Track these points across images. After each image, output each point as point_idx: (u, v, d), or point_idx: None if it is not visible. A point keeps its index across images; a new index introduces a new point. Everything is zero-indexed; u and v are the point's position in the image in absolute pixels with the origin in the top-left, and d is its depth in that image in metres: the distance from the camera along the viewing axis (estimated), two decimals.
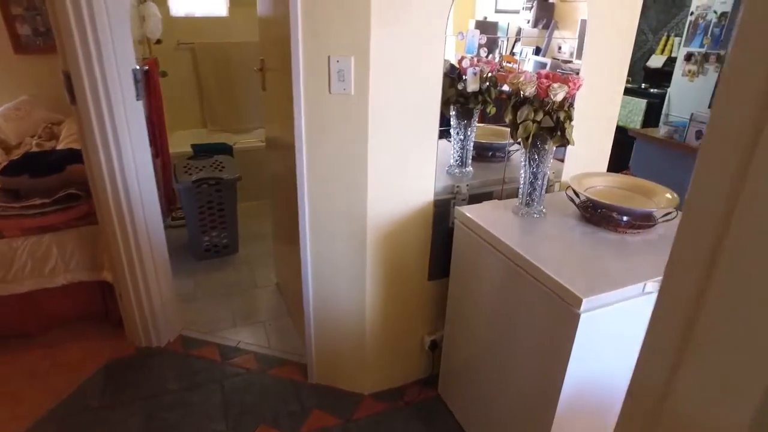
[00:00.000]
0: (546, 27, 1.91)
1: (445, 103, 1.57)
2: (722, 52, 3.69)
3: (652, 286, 1.19)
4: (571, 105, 1.40)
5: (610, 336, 1.21)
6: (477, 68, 1.52)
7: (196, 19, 3.75)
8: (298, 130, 1.46)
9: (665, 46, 4.74)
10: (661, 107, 4.33)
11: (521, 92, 1.33)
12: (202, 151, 3.07)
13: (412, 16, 1.35)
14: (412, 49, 1.39)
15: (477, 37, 1.50)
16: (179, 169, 2.61)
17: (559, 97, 1.30)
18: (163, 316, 2.04)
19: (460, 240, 1.57)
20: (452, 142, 1.79)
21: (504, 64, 1.92)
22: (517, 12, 1.87)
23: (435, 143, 1.54)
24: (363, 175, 1.49)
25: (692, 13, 3.90)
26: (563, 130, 1.37)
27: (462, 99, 1.65)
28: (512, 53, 1.95)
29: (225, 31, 3.83)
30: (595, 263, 1.25)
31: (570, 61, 1.84)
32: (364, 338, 1.75)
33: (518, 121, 1.34)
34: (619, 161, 3.74)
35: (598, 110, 1.77)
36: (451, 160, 1.81)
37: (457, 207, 1.57)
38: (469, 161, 1.80)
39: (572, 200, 1.54)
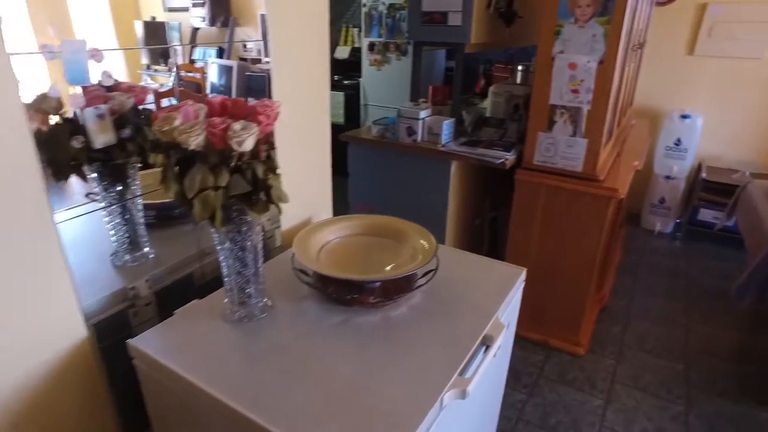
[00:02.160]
0: (225, 24, 1.38)
1: (72, 167, 0.89)
2: (399, 41, 3.84)
3: (450, 397, 0.82)
4: (272, 145, 0.91)
5: None
6: (103, 108, 0.88)
7: None
8: None
9: (347, 37, 4.81)
10: (359, 98, 4.36)
11: (184, 146, 0.76)
12: None
13: None
14: None
15: (84, 52, 0.85)
16: None
17: (248, 145, 0.79)
18: None
19: (153, 395, 0.94)
20: (107, 221, 1.09)
21: (184, 74, 1.32)
22: (186, 9, 1.29)
23: (53, 234, 0.84)
24: None
25: (365, 5, 3.94)
26: (267, 190, 0.87)
27: (102, 155, 0.98)
28: (192, 61, 1.36)
29: None
30: (364, 391, 0.81)
31: (259, 60, 1.37)
32: None
33: (189, 195, 0.78)
34: (336, 167, 3.54)
35: (308, 120, 1.34)
36: (115, 245, 1.12)
37: (129, 341, 0.92)
38: (145, 239, 1.15)
39: (301, 279, 1.07)
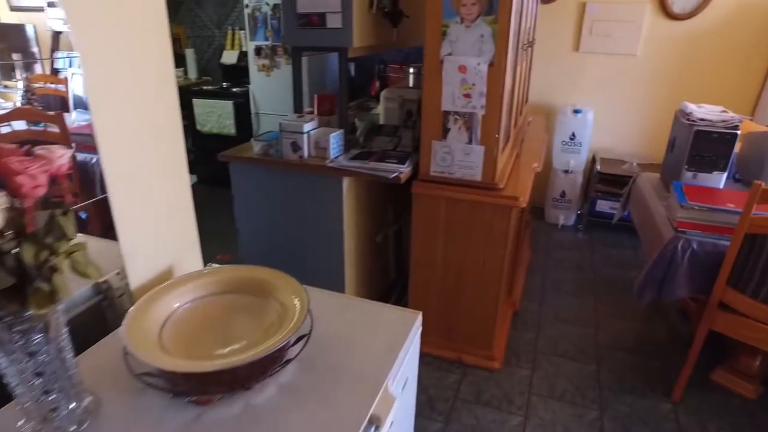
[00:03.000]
0: None
1: None
2: (287, 45, 3.58)
3: None
4: (64, 208, 0.65)
5: None
6: None
7: None
8: None
9: (233, 40, 4.45)
10: (249, 106, 4.04)
11: None
12: None
13: None
14: None
15: None
16: None
17: None
18: None
19: None
20: None
21: (42, 86, 1.02)
22: (41, 9, 0.98)
23: None
24: None
25: (248, 6, 3.63)
26: (50, 275, 0.61)
27: None
28: (55, 71, 1.06)
29: None
30: None
31: None
32: None
33: None
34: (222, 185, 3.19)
35: (154, 150, 1.06)
36: None
37: None
38: None
39: (132, 372, 0.81)
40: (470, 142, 1.81)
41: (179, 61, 4.74)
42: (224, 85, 4.33)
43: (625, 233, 3.42)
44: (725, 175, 2.02)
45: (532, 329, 2.45)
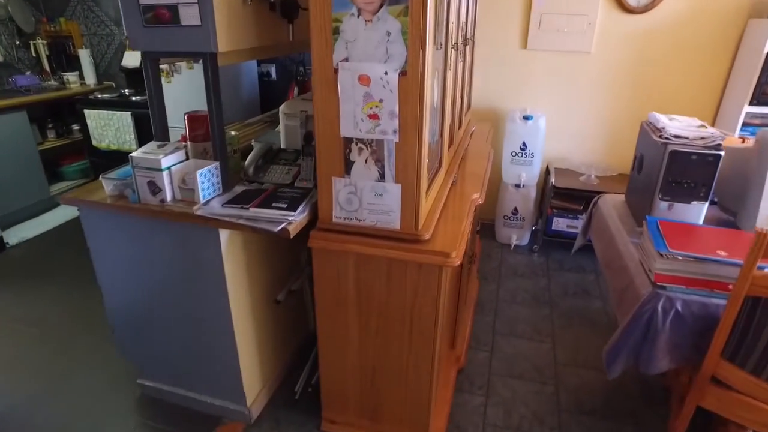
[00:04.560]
0: None
1: None
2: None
3: None
4: None
5: None
6: None
7: None
8: None
9: None
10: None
11: None
12: None
13: None
14: None
15: None
16: None
17: None
18: None
19: None
20: None
21: None
22: None
23: None
24: None
25: None
26: None
27: None
28: None
29: None
30: None
31: None
32: None
33: None
34: None
35: None
36: None
37: None
38: None
39: None
40: (382, 178, 1.33)
41: (73, 64, 4.06)
42: (125, 92, 3.70)
43: (585, 254, 3.04)
44: (706, 205, 1.62)
45: (481, 391, 2.01)
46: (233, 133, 1.81)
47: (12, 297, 2.63)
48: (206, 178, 1.47)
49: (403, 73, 1.21)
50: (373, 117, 1.27)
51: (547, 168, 3.17)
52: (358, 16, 1.19)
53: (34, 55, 4.13)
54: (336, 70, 1.25)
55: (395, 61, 1.21)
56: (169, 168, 1.46)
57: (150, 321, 1.74)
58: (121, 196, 1.59)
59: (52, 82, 4.10)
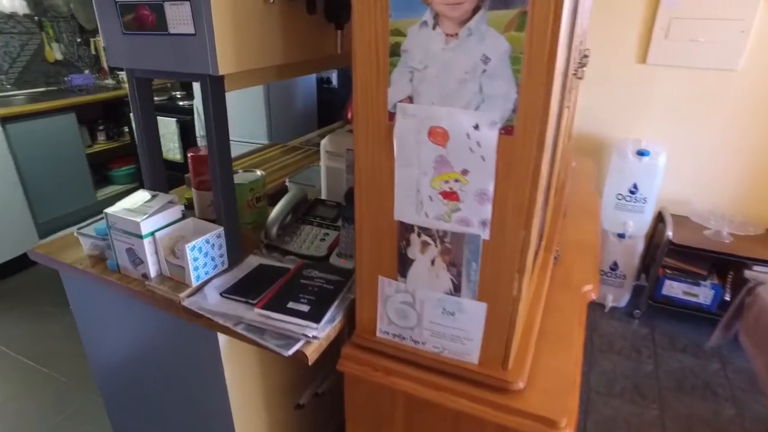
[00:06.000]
0: None
1: None
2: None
3: None
4: None
5: None
6: None
7: None
8: None
9: None
10: (195, 126, 3.11)
11: None
12: None
13: None
14: None
15: None
16: None
17: None
18: None
19: None
20: None
21: None
22: None
23: None
24: None
25: None
26: None
27: None
28: None
29: None
30: None
31: None
32: None
33: None
34: None
35: None
36: None
37: None
38: None
39: None
40: (457, 291, 0.82)
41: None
42: (176, 94, 3.42)
43: (702, 323, 2.37)
44: None
45: None
46: (259, 173, 1.36)
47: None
48: (201, 253, 1.02)
49: (506, 130, 0.70)
50: (450, 196, 0.77)
51: (661, 214, 2.51)
52: (434, 27, 0.69)
53: (93, 53, 3.98)
54: (392, 116, 0.76)
55: (495, 107, 0.70)
56: (152, 234, 1.03)
57: (143, 399, 1.34)
58: (102, 256, 1.19)
59: (109, 81, 3.93)
